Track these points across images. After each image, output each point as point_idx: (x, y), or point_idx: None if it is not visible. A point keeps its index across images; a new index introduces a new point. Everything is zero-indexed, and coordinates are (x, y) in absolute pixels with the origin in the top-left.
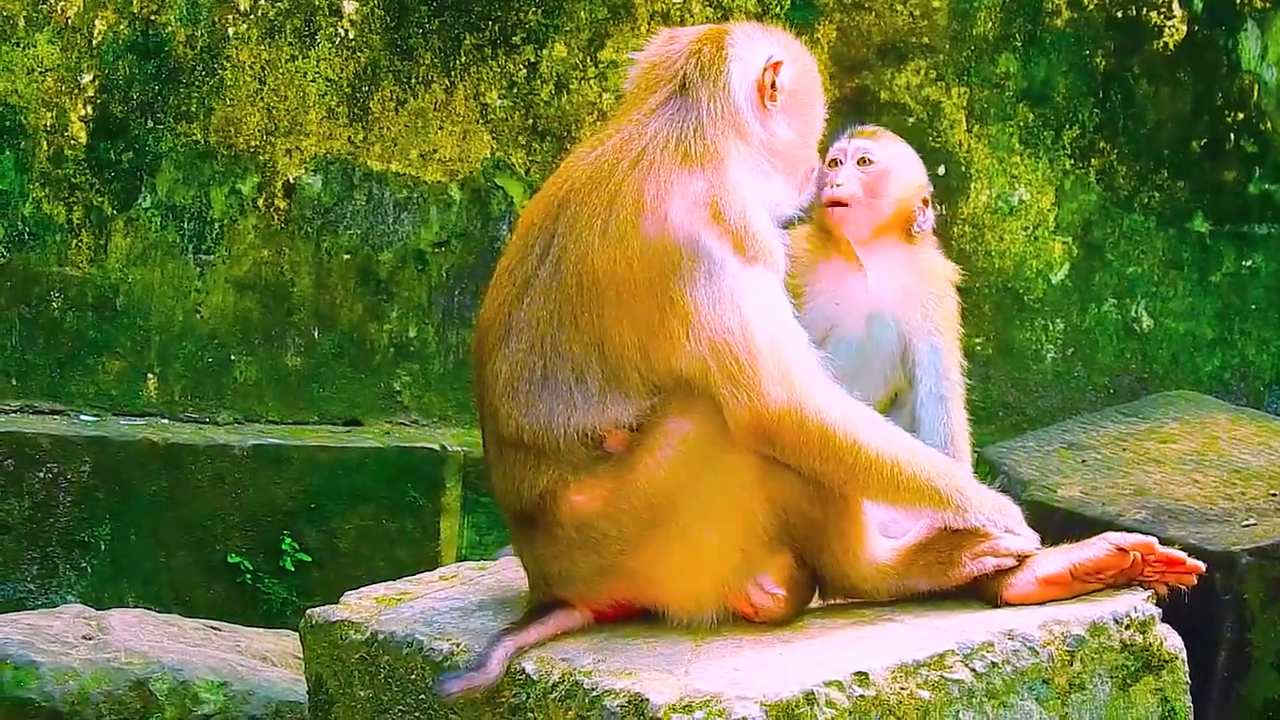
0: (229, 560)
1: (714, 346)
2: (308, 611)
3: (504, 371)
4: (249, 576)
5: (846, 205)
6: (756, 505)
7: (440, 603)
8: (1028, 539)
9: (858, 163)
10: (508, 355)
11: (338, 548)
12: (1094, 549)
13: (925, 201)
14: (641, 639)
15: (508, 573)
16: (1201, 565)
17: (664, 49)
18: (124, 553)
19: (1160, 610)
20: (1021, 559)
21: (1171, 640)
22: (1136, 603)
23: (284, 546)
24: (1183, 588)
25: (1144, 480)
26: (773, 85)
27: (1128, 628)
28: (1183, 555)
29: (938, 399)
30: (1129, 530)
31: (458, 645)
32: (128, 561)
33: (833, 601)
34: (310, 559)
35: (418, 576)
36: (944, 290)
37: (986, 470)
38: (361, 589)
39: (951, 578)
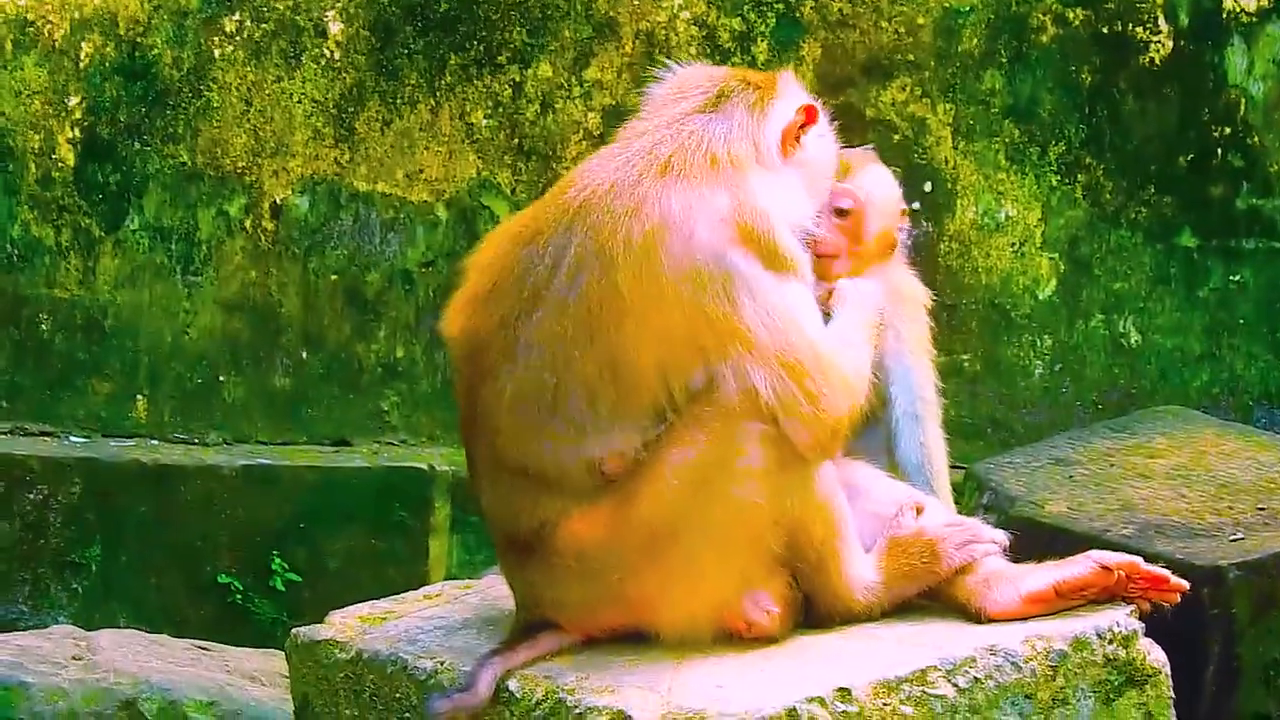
0: (219, 580)
1: (781, 362)
2: (293, 631)
3: (510, 390)
4: (239, 596)
5: (837, 257)
6: (762, 530)
7: (425, 621)
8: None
9: (835, 214)
10: (516, 373)
11: (327, 567)
12: (1078, 566)
13: (904, 214)
14: (625, 657)
15: (492, 591)
16: (1185, 584)
17: (705, 68)
18: (114, 573)
19: (1143, 625)
20: (1001, 548)
21: (1155, 654)
22: (1119, 617)
23: (273, 566)
24: (1166, 606)
25: (1131, 495)
26: (801, 129)
27: (1111, 642)
28: (1167, 574)
29: (913, 418)
30: (1116, 546)
31: (442, 664)
32: (118, 582)
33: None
34: (300, 579)
35: (402, 595)
36: (916, 312)
37: (974, 486)
38: (346, 608)
39: (939, 573)
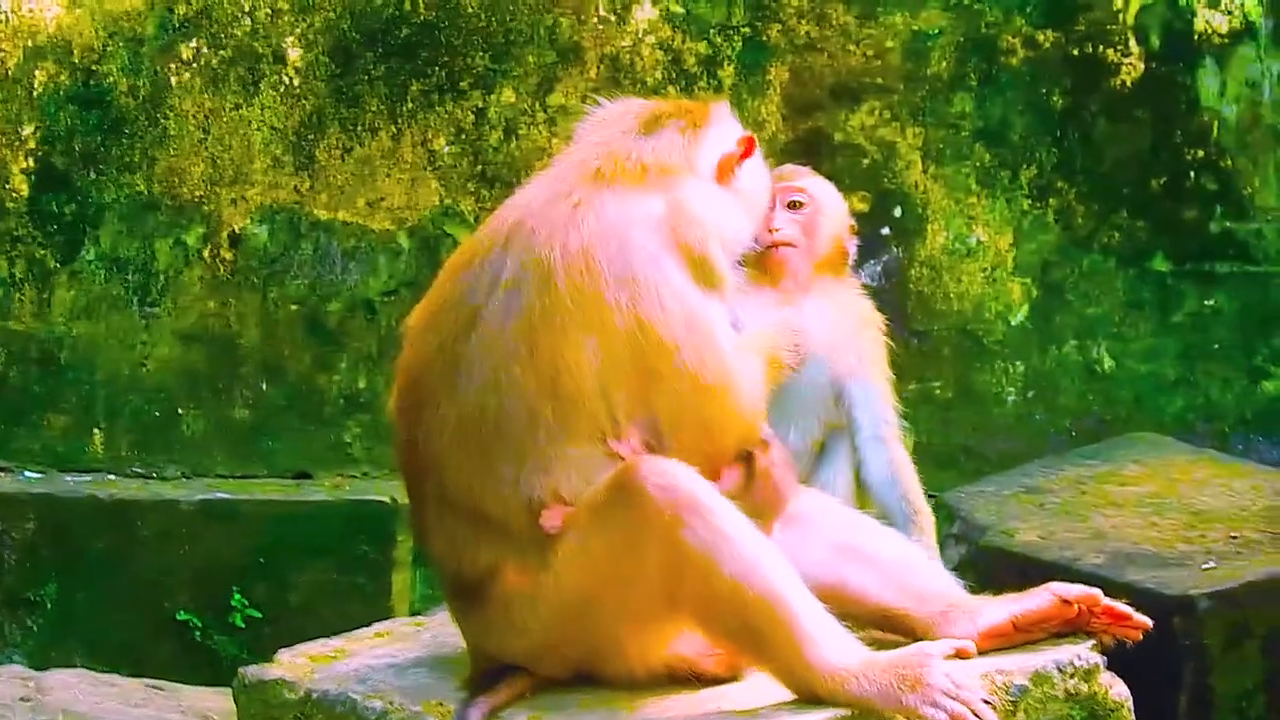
0: (178, 617)
1: (691, 381)
2: (240, 670)
3: (453, 416)
4: (198, 633)
5: (793, 246)
6: (679, 603)
7: (376, 660)
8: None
9: (788, 206)
10: (457, 397)
11: (289, 603)
12: (1037, 599)
13: (853, 229)
14: (579, 693)
15: (445, 628)
16: (1148, 621)
17: (637, 100)
18: (71, 611)
19: (1105, 659)
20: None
21: (1117, 689)
22: (1081, 651)
23: (234, 602)
24: (1127, 642)
25: (1102, 524)
26: (740, 159)
27: (1072, 676)
28: (1128, 610)
29: (879, 440)
30: (1086, 575)
31: (392, 704)
32: (75, 619)
33: None
34: (261, 615)
35: (354, 633)
36: (874, 334)
37: (945, 515)
38: (297, 646)
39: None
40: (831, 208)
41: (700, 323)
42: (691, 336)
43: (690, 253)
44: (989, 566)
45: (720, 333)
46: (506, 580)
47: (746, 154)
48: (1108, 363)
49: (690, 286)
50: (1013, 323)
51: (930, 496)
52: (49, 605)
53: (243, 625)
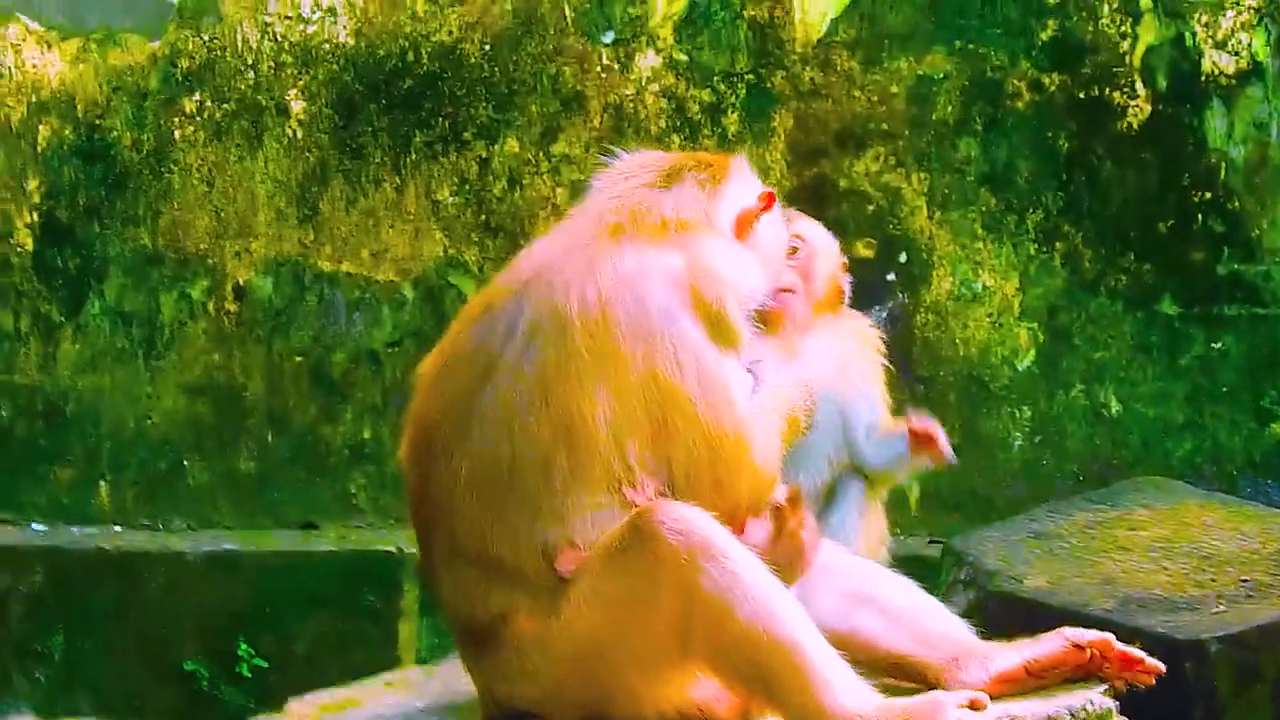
0: (185, 668)
1: (706, 438)
2: None
3: (466, 467)
4: (205, 684)
5: (794, 292)
6: (700, 643)
7: (386, 709)
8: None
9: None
10: (471, 448)
11: (295, 653)
12: (1049, 644)
13: (845, 267)
14: None
15: (454, 677)
16: (1161, 666)
17: (654, 152)
18: (78, 662)
19: (1118, 703)
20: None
21: None
22: (1093, 696)
23: (240, 652)
24: (1139, 687)
25: (1112, 569)
26: (758, 216)
27: None
28: (1141, 654)
29: (874, 428)
30: (1096, 620)
31: None
32: (82, 671)
33: None
34: (267, 665)
35: (364, 682)
36: (872, 353)
37: (952, 561)
38: (307, 696)
39: None
40: (825, 249)
41: (715, 380)
42: (706, 394)
43: (708, 310)
44: (998, 612)
45: (735, 390)
46: (518, 625)
47: (767, 208)
48: (1115, 406)
49: (706, 344)
50: (1019, 367)
51: (937, 542)
52: (56, 656)
53: (249, 675)
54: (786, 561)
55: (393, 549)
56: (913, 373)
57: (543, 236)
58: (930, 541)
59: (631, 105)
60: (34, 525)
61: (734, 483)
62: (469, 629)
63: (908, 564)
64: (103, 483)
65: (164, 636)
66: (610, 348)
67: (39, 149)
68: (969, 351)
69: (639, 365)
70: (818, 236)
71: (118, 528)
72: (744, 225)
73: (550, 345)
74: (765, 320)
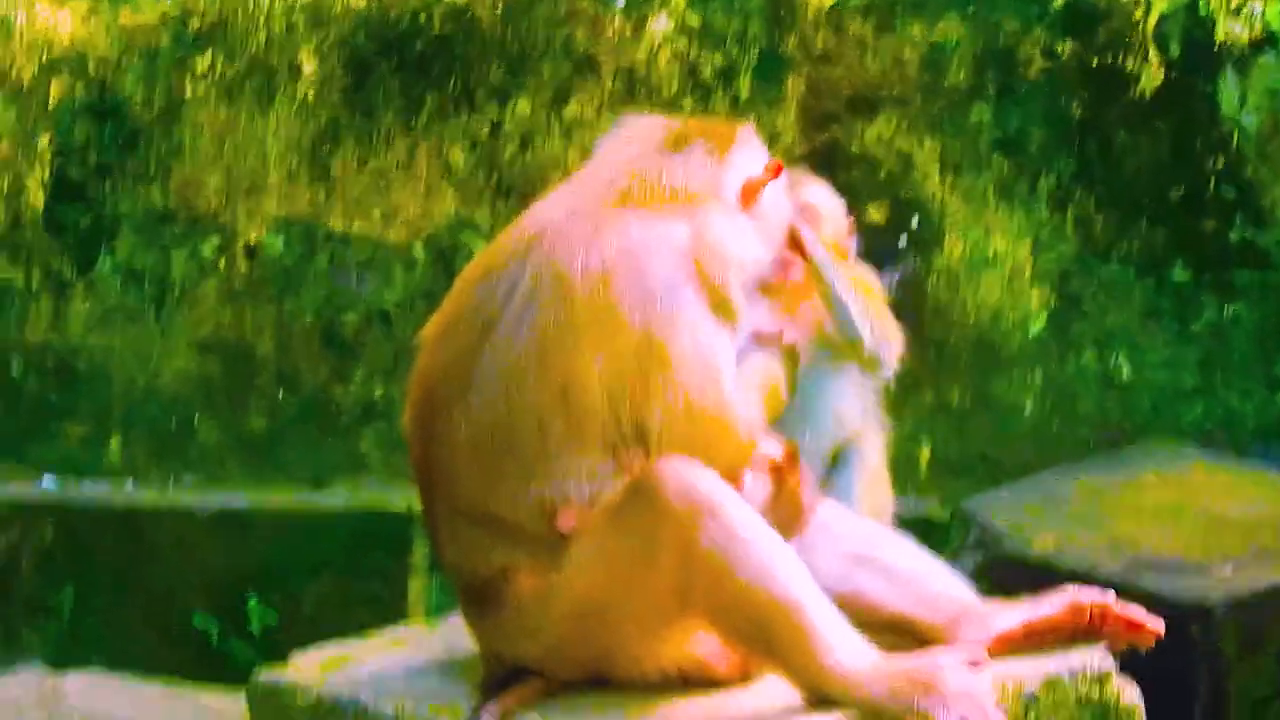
0: (194, 623)
1: (689, 408)
2: (253, 674)
3: (465, 426)
4: (214, 639)
5: (794, 262)
6: (688, 606)
7: (389, 664)
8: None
9: None
10: (470, 410)
11: (304, 609)
12: (1049, 605)
13: (851, 227)
14: (591, 696)
15: (458, 633)
16: (1160, 628)
17: (660, 117)
18: (87, 617)
19: (1118, 663)
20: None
21: (1129, 692)
22: (1094, 656)
23: (249, 609)
24: (1140, 649)
25: (1120, 532)
26: (764, 185)
27: (1084, 682)
28: (1142, 617)
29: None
30: (1103, 582)
31: (403, 708)
32: (91, 625)
33: None
34: (276, 621)
35: (367, 639)
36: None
37: (962, 524)
38: (309, 651)
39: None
40: (829, 208)
41: (708, 354)
42: (696, 364)
43: (709, 284)
44: (1006, 574)
45: (725, 365)
46: (519, 582)
47: (774, 178)
48: (1126, 372)
49: (705, 317)
50: (1031, 332)
51: (947, 505)
52: (66, 611)
53: (258, 631)
54: (785, 519)
55: (402, 507)
56: (924, 337)
57: (546, 198)
58: (940, 504)
59: (644, 69)
60: (44, 481)
61: (707, 455)
62: (470, 587)
63: (917, 526)
64: (113, 440)
65: (173, 592)
66: (609, 315)
67: (50, 107)
68: (980, 316)
69: (636, 331)
70: (822, 198)
71: (128, 484)
72: (749, 195)
73: (549, 309)
74: (769, 283)
